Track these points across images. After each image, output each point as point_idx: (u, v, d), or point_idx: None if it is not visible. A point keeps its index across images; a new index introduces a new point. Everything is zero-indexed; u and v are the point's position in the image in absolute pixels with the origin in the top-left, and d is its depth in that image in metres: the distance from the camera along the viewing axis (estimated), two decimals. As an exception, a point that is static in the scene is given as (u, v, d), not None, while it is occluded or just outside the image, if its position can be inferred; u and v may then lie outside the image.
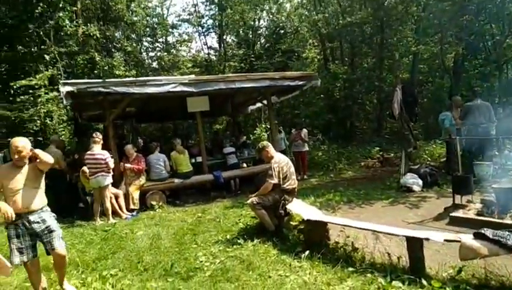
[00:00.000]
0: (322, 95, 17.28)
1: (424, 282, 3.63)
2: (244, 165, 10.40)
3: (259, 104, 12.90)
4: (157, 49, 17.59)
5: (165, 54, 17.26)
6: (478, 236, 3.77)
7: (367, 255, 4.44)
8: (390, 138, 14.10)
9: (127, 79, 9.67)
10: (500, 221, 5.21)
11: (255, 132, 14.70)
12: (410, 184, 7.90)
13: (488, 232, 3.72)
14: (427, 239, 3.94)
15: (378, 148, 13.10)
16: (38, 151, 3.66)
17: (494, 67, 13.77)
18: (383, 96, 15.85)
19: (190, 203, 8.76)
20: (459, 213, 5.75)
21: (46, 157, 3.63)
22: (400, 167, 8.73)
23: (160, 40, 17.85)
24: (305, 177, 10.50)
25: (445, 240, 3.96)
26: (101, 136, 7.47)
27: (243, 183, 9.75)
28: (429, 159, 10.51)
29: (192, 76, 10.02)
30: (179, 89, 8.35)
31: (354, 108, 16.74)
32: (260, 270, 4.28)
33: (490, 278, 3.72)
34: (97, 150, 7.28)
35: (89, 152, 7.33)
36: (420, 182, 7.93)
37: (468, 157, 8.05)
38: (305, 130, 10.95)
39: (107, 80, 8.37)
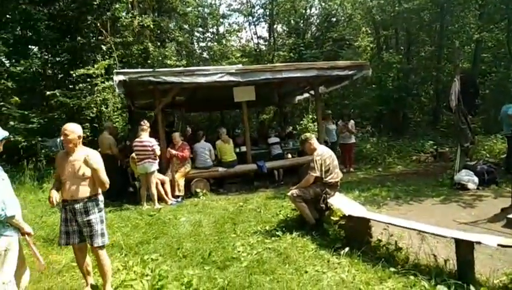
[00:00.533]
0: (374, 86, 16.62)
1: (472, 288, 3.38)
2: (289, 155, 10.29)
3: (306, 94, 12.68)
4: (208, 39, 17.82)
5: (215, 44, 17.43)
6: (538, 243, 3.44)
7: (411, 256, 4.22)
8: (446, 131, 13.26)
9: (176, 69, 9.90)
10: None
11: (302, 122, 14.48)
12: (465, 181, 7.38)
13: (550, 240, 3.37)
14: (479, 243, 3.65)
15: (432, 142, 12.39)
16: (94, 162, 3.56)
17: None
18: (440, 88, 14.92)
19: (233, 192, 8.85)
20: (519, 215, 5.28)
21: (101, 175, 3.60)
22: (454, 163, 8.19)
23: (211, 30, 18.06)
24: (351, 170, 10.19)
25: (499, 245, 3.65)
26: (148, 124, 7.72)
27: (287, 174, 9.67)
28: (487, 155, 9.75)
29: (240, 66, 10.01)
30: (225, 78, 8.40)
31: (408, 99, 15.92)
32: (297, 265, 4.21)
33: (550, 289, 3.39)
34: (145, 137, 7.54)
35: (137, 139, 7.61)
36: (476, 179, 7.39)
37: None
38: (352, 122, 10.59)
39: (157, 70, 8.61)
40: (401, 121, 16.04)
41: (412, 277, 3.68)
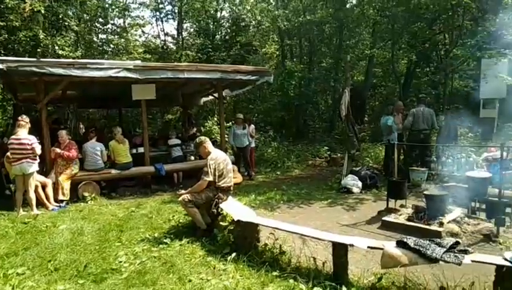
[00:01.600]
0: (279, 92, 17.23)
1: (345, 289, 3.57)
2: (192, 158, 10.08)
3: (211, 97, 12.59)
4: (109, 31, 16.69)
5: (116, 37, 16.41)
6: (400, 244, 3.76)
7: (293, 259, 4.34)
8: (339, 138, 14.30)
9: (65, 60, 9.01)
10: (428, 227, 5.32)
11: (206, 124, 14.38)
12: (350, 186, 7.97)
13: (410, 241, 3.71)
14: (352, 245, 3.89)
15: (327, 147, 13.23)
16: None
17: (443, 75, 14.28)
18: (337, 97, 16.04)
19: (127, 196, 8.35)
20: (391, 218, 5.81)
21: None
22: (343, 168, 8.80)
23: (113, 22, 16.95)
24: (253, 173, 10.34)
25: (369, 247, 3.93)
26: (27, 120, 6.87)
27: (187, 177, 9.44)
28: (371, 161, 10.70)
29: (138, 62, 9.52)
30: (122, 74, 7.88)
31: (308, 107, 16.83)
32: (181, 273, 4.05)
33: (409, 286, 3.73)
34: (23, 134, 6.69)
35: (13, 136, 6.73)
36: (360, 184, 8.02)
37: (407, 162, 8.25)
38: (252, 126, 10.74)
39: (42, 60, 7.71)
40: (301, 127, 16.87)
41: (292, 280, 3.77)
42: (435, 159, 8.74)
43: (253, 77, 9.65)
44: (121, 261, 4.40)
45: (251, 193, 8.04)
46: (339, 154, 11.88)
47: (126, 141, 8.65)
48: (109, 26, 16.94)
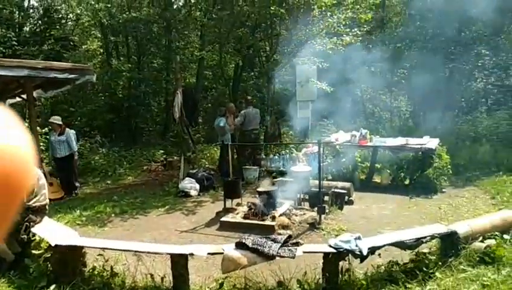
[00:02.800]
0: (106, 93, 15.80)
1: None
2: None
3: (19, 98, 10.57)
4: None
5: None
6: (239, 246, 3.72)
7: (128, 280, 3.86)
8: (174, 141, 14.00)
9: None
10: (262, 223, 5.53)
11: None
12: (188, 189, 7.78)
13: (248, 241, 3.70)
14: (192, 254, 3.67)
15: (162, 151, 12.76)
16: None
17: (265, 79, 15.54)
18: (170, 99, 15.67)
19: None
20: (229, 217, 5.86)
21: None
22: (179, 172, 8.55)
23: None
24: (77, 185, 8.99)
25: (209, 254, 3.78)
26: None
27: None
28: (207, 163, 10.79)
29: None
30: None
31: (139, 109, 15.98)
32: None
33: (249, 286, 3.72)
34: None
35: None
36: (197, 186, 7.91)
37: (240, 162, 8.55)
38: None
39: None
40: (133, 131, 15.91)
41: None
42: (264, 156, 9.33)
43: (72, 76, 8.40)
44: None
45: (76, 208, 7.02)
46: (175, 157, 11.56)
47: None
48: None
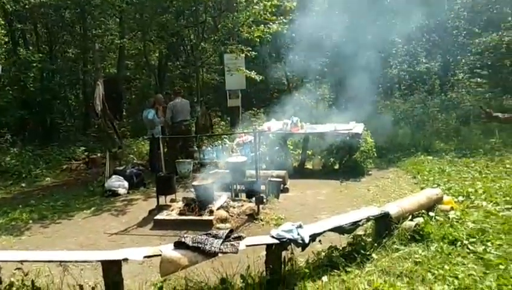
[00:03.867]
0: (15, 87, 14.16)
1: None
2: None
3: None
4: None
5: None
6: (178, 245, 3.51)
7: (53, 294, 3.45)
8: (96, 136, 13.03)
9: None
10: (200, 218, 5.34)
11: None
12: (116, 187, 7.28)
13: (188, 240, 3.51)
14: (126, 260, 3.37)
15: (84, 148, 11.80)
16: None
17: (192, 69, 15.11)
18: (89, 91, 14.53)
19: None
20: (163, 215, 5.58)
21: None
22: (105, 170, 7.95)
23: None
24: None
25: (145, 257, 3.51)
26: None
27: None
28: (135, 158, 10.22)
29: None
30: None
31: (54, 103, 14.61)
32: None
33: (191, 287, 3.54)
34: None
35: None
36: (126, 184, 7.44)
37: (172, 155, 8.19)
38: None
39: None
40: (49, 127, 14.54)
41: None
42: (196, 148, 9.06)
43: (-29, 67, 7.41)
44: None
45: (-16, 217, 6.21)
46: (98, 154, 10.76)
47: None
48: None
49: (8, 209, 6.70)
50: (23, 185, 8.93)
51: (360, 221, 3.97)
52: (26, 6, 12.90)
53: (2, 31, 16.51)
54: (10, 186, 8.88)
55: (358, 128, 7.98)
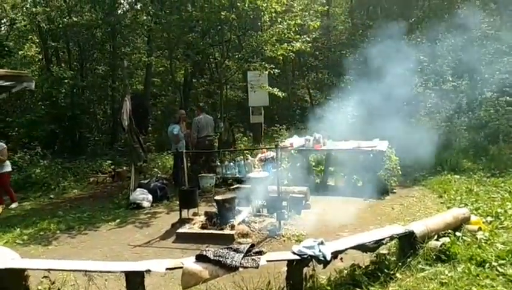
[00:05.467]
0: (47, 102, 14.79)
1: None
2: None
3: None
4: None
5: None
6: (200, 258, 3.54)
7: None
8: (123, 150, 13.37)
9: None
10: (221, 232, 5.37)
11: None
12: (140, 200, 7.41)
13: (209, 253, 3.54)
14: (148, 271, 3.42)
15: (110, 161, 12.12)
16: None
17: (216, 86, 15.40)
18: (116, 107, 15.00)
19: None
20: (185, 229, 5.63)
21: None
22: (130, 182, 8.12)
23: None
24: (13, 206, 8.15)
25: (168, 269, 3.56)
26: None
27: None
28: (159, 172, 10.40)
29: None
30: None
31: (83, 118, 15.14)
32: None
33: (211, 300, 3.56)
34: None
35: None
36: (150, 197, 7.57)
37: (195, 170, 8.31)
38: (2, 145, 8.25)
39: None
40: (78, 141, 15.04)
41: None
42: (219, 163, 9.15)
43: (8, 83, 7.77)
44: None
45: (15, 226, 6.44)
46: (124, 168, 11.04)
47: None
48: None
49: (37, 219, 6.92)
50: (52, 196, 9.22)
51: (383, 239, 3.90)
52: (60, 26, 13.55)
53: (37, 49, 17.41)
54: (39, 198, 9.18)
55: (382, 145, 7.88)
